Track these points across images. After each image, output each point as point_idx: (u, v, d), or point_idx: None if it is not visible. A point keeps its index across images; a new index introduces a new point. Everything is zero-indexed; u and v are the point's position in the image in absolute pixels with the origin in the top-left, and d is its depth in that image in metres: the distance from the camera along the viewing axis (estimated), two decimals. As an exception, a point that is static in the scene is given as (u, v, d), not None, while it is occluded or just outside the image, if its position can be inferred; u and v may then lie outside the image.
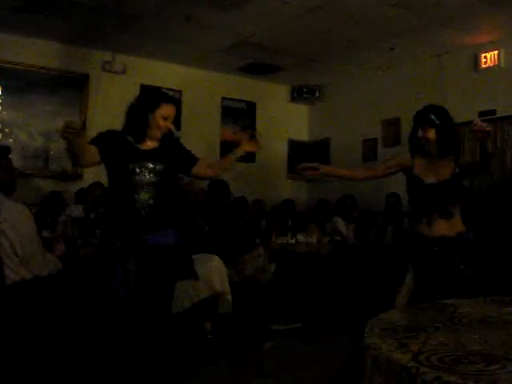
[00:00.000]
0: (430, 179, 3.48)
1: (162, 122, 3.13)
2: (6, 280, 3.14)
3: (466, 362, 1.24)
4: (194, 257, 4.57)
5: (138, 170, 3.08)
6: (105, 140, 3.11)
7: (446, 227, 3.41)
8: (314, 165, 3.79)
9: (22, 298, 3.28)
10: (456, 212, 3.46)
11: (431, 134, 3.43)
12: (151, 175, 3.11)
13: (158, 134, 3.16)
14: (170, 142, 3.29)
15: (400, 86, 7.19)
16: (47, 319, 3.37)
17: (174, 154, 3.27)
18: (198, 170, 3.36)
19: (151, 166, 3.12)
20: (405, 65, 7.06)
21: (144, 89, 3.63)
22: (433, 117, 3.46)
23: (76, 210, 5.29)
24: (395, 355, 1.23)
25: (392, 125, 7.20)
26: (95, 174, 6.59)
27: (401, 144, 6.83)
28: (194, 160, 3.36)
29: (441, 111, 3.54)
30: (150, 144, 3.19)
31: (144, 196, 3.05)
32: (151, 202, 3.05)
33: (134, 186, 3.06)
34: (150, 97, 3.27)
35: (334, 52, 6.76)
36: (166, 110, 3.16)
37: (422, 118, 3.51)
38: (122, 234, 3.10)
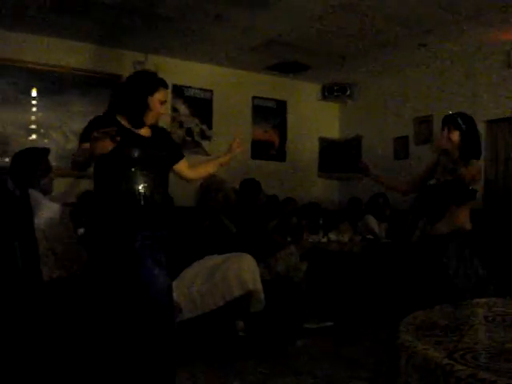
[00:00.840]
0: (433, 180, 3.78)
1: (160, 107, 3.06)
2: (43, 277, 3.20)
3: (501, 360, 1.24)
4: (227, 255, 4.64)
5: (141, 157, 2.93)
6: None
7: (443, 225, 3.63)
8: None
9: (59, 295, 3.35)
10: (457, 211, 3.61)
11: (455, 135, 3.73)
12: (152, 163, 2.99)
13: (154, 120, 3.08)
14: (159, 131, 3.21)
15: (431, 83, 7.13)
16: (83, 316, 3.43)
17: (166, 144, 3.19)
18: (180, 167, 3.31)
19: (154, 153, 3.02)
20: (436, 62, 7.00)
21: (138, 72, 3.28)
22: (460, 120, 3.77)
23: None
24: (430, 353, 1.24)
25: (424, 122, 7.14)
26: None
27: (432, 141, 6.79)
28: (179, 156, 3.32)
29: (468, 118, 3.84)
30: (145, 131, 3.09)
31: (144, 185, 2.90)
32: (149, 192, 2.91)
33: (135, 174, 2.90)
34: (149, 79, 3.11)
35: (365, 49, 6.73)
36: (163, 94, 3.09)
37: (450, 119, 3.83)
38: (120, 227, 2.90)
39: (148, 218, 2.93)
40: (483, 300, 2.03)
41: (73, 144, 6.72)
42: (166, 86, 3.14)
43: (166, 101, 3.14)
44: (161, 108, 3.08)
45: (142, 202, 2.89)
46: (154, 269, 2.93)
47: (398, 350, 1.35)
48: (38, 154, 3.60)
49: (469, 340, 1.46)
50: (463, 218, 3.64)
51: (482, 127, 6.58)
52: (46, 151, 3.69)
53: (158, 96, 3.06)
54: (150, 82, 3.08)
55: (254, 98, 7.97)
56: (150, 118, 3.06)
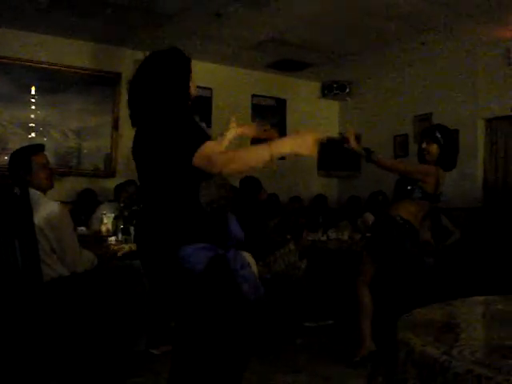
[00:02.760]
0: None
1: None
2: (43, 277, 3.21)
3: (498, 357, 1.25)
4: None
5: None
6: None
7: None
8: None
9: (60, 294, 3.35)
10: (400, 203, 4.09)
11: (433, 148, 4.03)
12: None
13: None
14: None
15: (431, 82, 7.14)
16: (84, 316, 3.43)
17: None
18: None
19: None
20: (436, 60, 7.01)
21: (169, 51, 2.52)
22: (438, 134, 4.04)
23: (110, 208, 5.37)
24: (428, 349, 1.24)
25: (424, 120, 7.15)
26: (127, 172, 6.70)
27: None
28: None
29: (446, 131, 4.13)
30: None
31: (207, 190, 2.25)
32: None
33: (200, 178, 2.23)
34: (185, 60, 2.52)
35: (365, 48, 6.74)
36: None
37: (429, 132, 4.15)
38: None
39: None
40: (481, 298, 2.04)
41: (71, 142, 6.75)
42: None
43: None
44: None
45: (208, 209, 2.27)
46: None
47: (397, 347, 1.36)
48: (32, 151, 3.59)
49: (466, 337, 1.47)
50: (403, 210, 4.03)
51: (481, 125, 6.61)
52: (41, 147, 3.68)
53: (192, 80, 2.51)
54: (187, 63, 2.52)
55: (253, 96, 7.99)
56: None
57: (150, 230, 2.31)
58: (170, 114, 2.27)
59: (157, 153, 2.22)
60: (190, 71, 2.48)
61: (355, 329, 4.33)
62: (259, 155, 2.20)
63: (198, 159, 2.13)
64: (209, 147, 2.15)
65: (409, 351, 1.29)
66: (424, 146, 4.09)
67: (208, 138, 2.23)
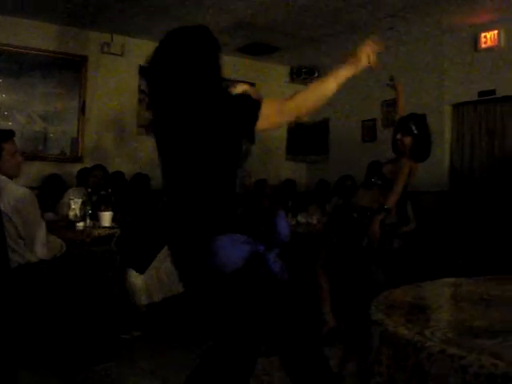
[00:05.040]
0: None
1: None
2: (11, 263, 3.16)
3: (470, 337, 1.27)
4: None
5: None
6: None
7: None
8: None
9: (28, 280, 3.31)
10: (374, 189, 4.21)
11: (408, 140, 4.12)
12: None
13: None
14: None
15: (399, 67, 7.17)
16: (53, 302, 3.40)
17: None
18: None
19: None
20: (404, 45, 7.04)
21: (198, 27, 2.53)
22: (412, 126, 4.14)
23: (78, 193, 5.31)
24: (401, 330, 1.26)
25: (391, 105, 7.18)
26: (94, 157, 6.62)
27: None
28: None
29: (420, 121, 4.25)
30: None
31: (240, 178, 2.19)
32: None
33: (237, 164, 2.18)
34: (212, 35, 2.49)
35: (333, 32, 6.73)
36: None
37: (403, 124, 4.22)
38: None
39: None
40: (450, 280, 2.07)
41: (37, 126, 6.63)
42: None
43: None
44: None
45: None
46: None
47: (370, 329, 1.37)
48: (2, 137, 3.51)
49: (438, 318, 1.49)
50: (366, 198, 4.19)
51: (448, 110, 6.68)
52: (11, 133, 3.61)
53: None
54: (214, 38, 2.49)
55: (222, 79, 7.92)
56: None
57: (181, 219, 2.14)
58: (213, 90, 2.24)
59: (205, 132, 2.09)
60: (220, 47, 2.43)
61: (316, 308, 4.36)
62: (328, 90, 2.25)
63: (263, 121, 2.08)
64: (266, 105, 2.10)
65: (382, 332, 1.31)
66: (399, 137, 4.17)
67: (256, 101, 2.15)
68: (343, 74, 2.31)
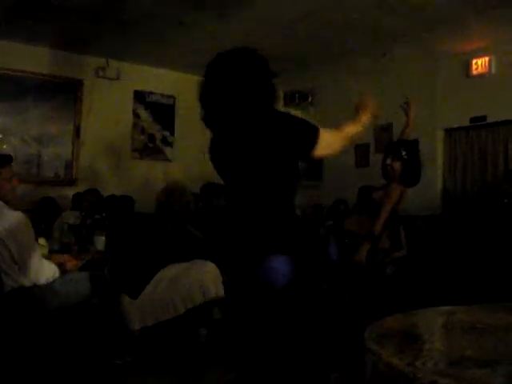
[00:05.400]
0: None
1: None
2: (4, 287, 3.15)
3: (460, 367, 1.28)
4: (190, 263, 4.62)
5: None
6: None
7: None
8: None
9: (21, 305, 3.30)
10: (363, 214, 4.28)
11: (397, 165, 4.11)
12: None
13: None
14: None
15: (392, 92, 7.24)
16: (45, 327, 3.39)
17: None
18: None
19: None
20: (397, 70, 7.11)
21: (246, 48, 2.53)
22: (402, 151, 4.13)
23: (72, 217, 5.31)
24: (394, 361, 1.27)
25: (384, 130, 7.25)
26: (88, 180, 6.64)
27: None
28: None
29: (410, 146, 4.26)
30: None
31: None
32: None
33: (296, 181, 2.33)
34: (264, 60, 2.53)
35: (327, 57, 6.82)
36: None
37: (392, 149, 4.25)
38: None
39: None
40: (443, 308, 2.08)
41: (31, 149, 6.65)
42: None
43: None
44: None
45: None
46: None
47: (364, 358, 1.38)
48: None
49: (429, 347, 1.50)
50: (356, 224, 4.26)
51: (440, 135, 6.74)
52: (9, 158, 3.61)
53: None
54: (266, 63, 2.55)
55: (216, 104, 7.97)
56: None
57: (242, 235, 2.22)
58: (272, 111, 2.32)
59: (265, 151, 2.16)
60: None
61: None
62: (358, 130, 2.47)
63: (320, 149, 2.19)
64: (325, 134, 2.24)
65: (375, 362, 1.32)
66: (389, 162, 4.18)
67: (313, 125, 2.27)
68: (365, 120, 2.56)
